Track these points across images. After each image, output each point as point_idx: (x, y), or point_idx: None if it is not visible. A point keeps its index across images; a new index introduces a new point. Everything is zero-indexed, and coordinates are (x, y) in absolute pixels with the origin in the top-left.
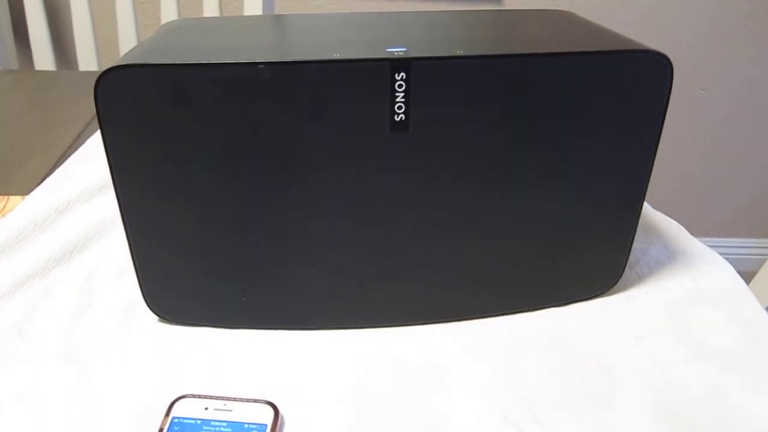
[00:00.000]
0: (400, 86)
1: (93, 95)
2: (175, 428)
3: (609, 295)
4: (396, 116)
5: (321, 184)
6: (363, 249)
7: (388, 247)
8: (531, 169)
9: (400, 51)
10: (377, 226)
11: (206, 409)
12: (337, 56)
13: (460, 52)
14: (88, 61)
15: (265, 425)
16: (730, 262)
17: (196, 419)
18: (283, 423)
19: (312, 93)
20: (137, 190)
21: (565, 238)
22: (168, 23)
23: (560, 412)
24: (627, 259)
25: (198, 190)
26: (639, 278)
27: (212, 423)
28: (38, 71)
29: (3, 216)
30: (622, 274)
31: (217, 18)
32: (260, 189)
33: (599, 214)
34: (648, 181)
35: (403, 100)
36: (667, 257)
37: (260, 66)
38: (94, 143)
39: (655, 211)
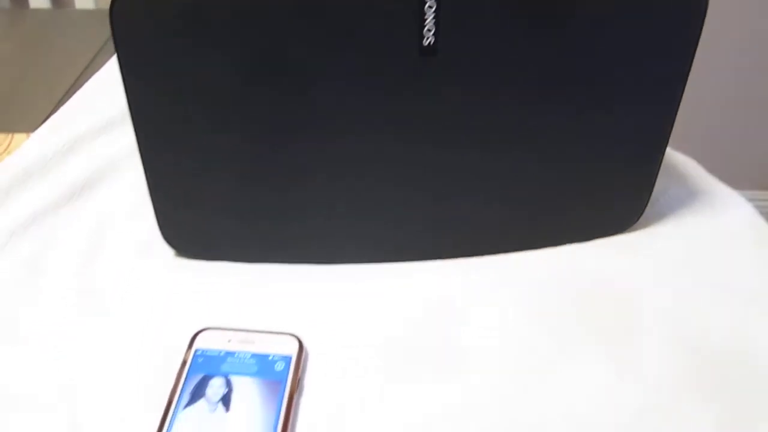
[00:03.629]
0: (430, 7)
1: (108, 17)
2: (199, 360)
3: (630, 232)
4: (425, 40)
5: (344, 109)
6: (386, 180)
7: (411, 179)
8: (560, 102)
9: None
10: (400, 156)
11: (229, 341)
12: None
13: None
14: None
15: (290, 356)
16: None
17: (219, 351)
18: (307, 356)
19: (337, 14)
20: (155, 119)
21: (589, 173)
22: None
23: (585, 346)
24: (650, 197)
25: (217, 118)
26: (659, 216)
27: (236, 355)
28: (33, 9)
29: (8, 153)
30: (643, 212)
31: None
32: (281, 116)
33: (625, 150)
34: (675, 117)
35: (433, 22)
36: (687, 195)
37: None
38: (98, 81)
39: (674, 151)
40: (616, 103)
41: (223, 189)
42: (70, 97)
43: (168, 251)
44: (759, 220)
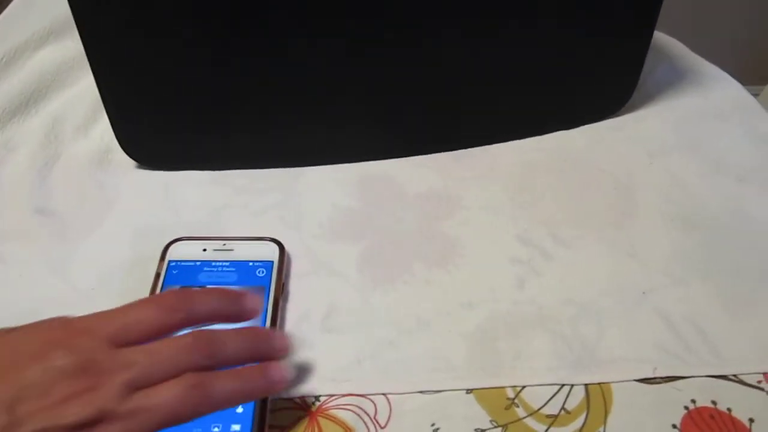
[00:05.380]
0: None
1: None
2: (173, 272)
3: (619, 116)
4: None
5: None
6: (359, 72)
7: (388, 71)
8: None
9: None
10: (374, 44)
11: (204, 250)
12: None
13: None
14: None
15: (271, 262)
16: None
17: (195, 261)
18: (290, 260)
19: None
20: (102, 20)
21: (576, 56)
22: None
23: (580, 230)
24: (638, 79)
25: (172, 13)
26: (648, 98)
27: (213, 264)
28: None
29: None
30: (632, 93)
31: None
32: (239, 17)
33: (612, 32)
34: None
35: None
36: (675, 76)
37: None
38: None
39: (658, 32)
40: None
41: (182, 96)
42: (5, 6)
43: (128, 162)
44: (747, 96)
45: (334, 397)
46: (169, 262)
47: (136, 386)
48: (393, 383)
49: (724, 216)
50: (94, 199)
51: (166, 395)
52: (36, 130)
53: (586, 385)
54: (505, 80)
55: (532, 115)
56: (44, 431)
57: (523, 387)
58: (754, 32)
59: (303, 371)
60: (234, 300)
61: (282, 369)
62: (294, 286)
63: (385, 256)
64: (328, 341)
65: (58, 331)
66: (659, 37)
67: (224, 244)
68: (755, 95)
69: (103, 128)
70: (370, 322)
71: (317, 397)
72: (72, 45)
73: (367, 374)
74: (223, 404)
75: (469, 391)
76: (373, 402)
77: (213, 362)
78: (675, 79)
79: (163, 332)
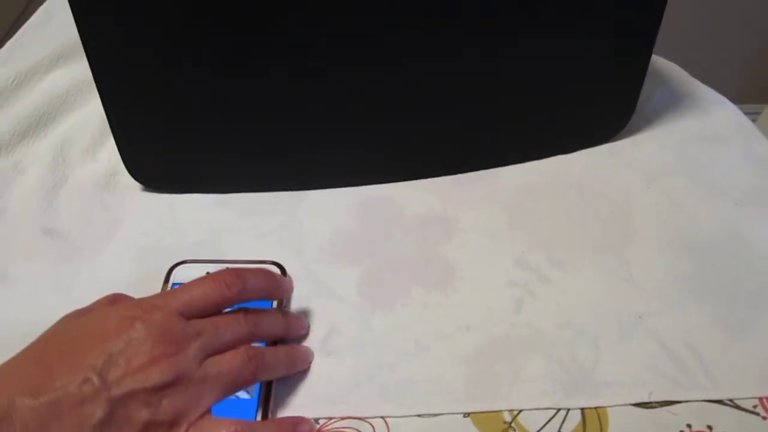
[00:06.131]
0: None
1: None
2: None
3: (616, 140)
4: None
5: (309, 36)
6: (362, 98)
7: (388, 96)
8: (542, 9)
9: None
10: (377, 70)
11: (208, 273)
12: None
13: None
14: None
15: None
16: None
17: None
18: (291, 283)
19: None
20: (110, 45)
21: (574, 82)
22: None
23: (578, 254)
24: (636, 103)
25: (177, 40)
26: (646, 122)
27: None
28: None
29: None
30: (630, 117)
31: None
32: (244, 36)
33: (610, 57)
34: (660, 21)
35: None
36: (672, 100)
37: None
38: (46, 12)
39: (655, 56)
40: (600, 11)
41: (188, 120)
42: (17, 29)
43: (134, 184)
44: (745, 120)
45: (332, 420)
46: (173, 284)
47: (207, 353)
48: (391, 406)
49: (720, 240)
50: (100, 221)
51: (231, 362)
52: (45, 153)
53: (582, 409)
54: (504, 105)
55: (531, 139)
56: (131, 392)
57: (520, 411)
58: (755, 51)
59: (302, 393)
60: (274, 280)
61: (305, 351)
62: (294, 308)
63: (384, 280)
64: (327, 363)
65: (134, 308)
66: (657, 60)
67: (227, 268)
68: (757, 113)
69: (110, 151)
70: (369, 345)
71: (316, 420)
72: (81, 68)
73: (365, 397)
74: (273, 373)
75: (466, 414)
76: (371, 425)
77: (257, 336)
78: (672, 103)
79: (222, 305)
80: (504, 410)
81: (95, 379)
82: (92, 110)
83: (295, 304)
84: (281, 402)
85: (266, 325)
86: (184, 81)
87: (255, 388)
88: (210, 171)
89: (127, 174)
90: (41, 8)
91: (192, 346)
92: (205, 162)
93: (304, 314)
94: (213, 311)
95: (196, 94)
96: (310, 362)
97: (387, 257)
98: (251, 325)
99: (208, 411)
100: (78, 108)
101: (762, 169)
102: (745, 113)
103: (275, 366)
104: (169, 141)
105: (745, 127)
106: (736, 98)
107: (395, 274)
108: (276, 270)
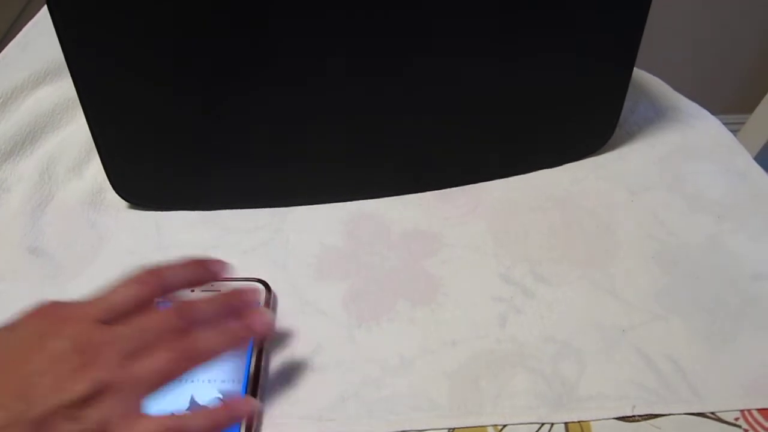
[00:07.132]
0: None
1: None
2: None
3: (600, 154)
4: None
5: (296, 48)
6: (346, 116)
7: (374, 114)
8: (525, 25)
9: None
10: (361, 89)
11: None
12: None
13: None
14: None
15: (257, 303)
16: None
17: None
18: (275, 300)
19: None
20: (94, 65)
21: (557, 97)
22: None
23: (562, 268)
24: (619, 117)
25: (162, 58)
26: (629, 136)
27: None
28: None
29: None
30: (614, 131)
31: None
32: (228, 51)
33: (592, 72)
34: (641, 35)
35: None
36: (655, 114)
37: None
38: (33, 30)
39: (638, 70)
40: (581, 27)
41: (173, 137)
42: (3, 47)
43: (120, 202)
44: (726, 133)
45: None
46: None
47: (130, 355)
48: (376, 422)
49: (703, 253)
50: (86, 239)
51: (157, 359)
52: (30, 171)
53: (566, 423)
54: (488, 121)
55: (516, 154)
56: (57, 408)
57: (505, 426)
58: (741, 61)
59: (288, 409)
60: (199, 265)
61: (262, 315)
62: (280, 324)
63: (370, 295)
64: (313, 379)
65: (49, 325)
66: (639, 74)
67: (212, 285)
68: (740, 124)
69: (96, 169)
70: (354, 361)
71: None
72: (67, 86)
73: (351, 412)
74: (209, 355)
75: (451, 430)
76: None
77: (191, 323)
78: (655, 117)
79: (142, 304)
80: (488, 425)
81: (20, 403)
82: (78, 128)
83: (281, 320)
84: (266, 417)
85: (202, 310)
86: (169, 98)
87: (243, 378)
88: (196, 188)
89: (113, 192)
90: (27, 26)
91: (111, 351)
92: (191, 179)
93: (292, 329)
94: (135, 312)
95: (181, 111)
96: (269, 326)
97: (372, 272)
98: (182, 316)
99: (140, 410)
100: (64, 126)
101: (743, 183)
102: (727, 123)
103: (215, 346)
104: (154, 158)
105: (726, 141)
106: (719, 109)
107: (381, 290)
108: (260, 287)
